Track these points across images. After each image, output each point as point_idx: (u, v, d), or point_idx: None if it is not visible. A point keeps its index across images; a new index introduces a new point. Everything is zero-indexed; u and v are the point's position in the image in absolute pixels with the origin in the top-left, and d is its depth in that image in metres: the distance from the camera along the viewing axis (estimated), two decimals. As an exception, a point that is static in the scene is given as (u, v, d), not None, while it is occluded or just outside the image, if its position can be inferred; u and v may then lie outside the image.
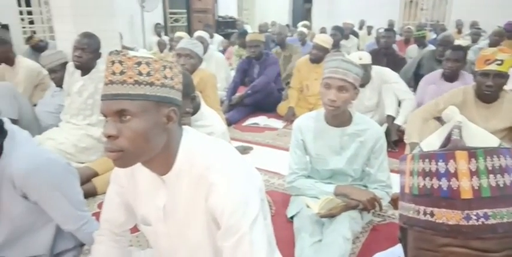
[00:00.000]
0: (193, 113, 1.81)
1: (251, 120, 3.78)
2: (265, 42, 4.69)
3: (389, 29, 4.46)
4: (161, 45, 6.13)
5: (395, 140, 2.94)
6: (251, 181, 0.94)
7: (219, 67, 4.23)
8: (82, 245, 1.38)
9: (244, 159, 0.99)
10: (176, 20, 9.16)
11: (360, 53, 2.96)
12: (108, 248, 1.12)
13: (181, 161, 0.91)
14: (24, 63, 3.11)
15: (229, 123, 3.48)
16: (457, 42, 3.86)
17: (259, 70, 4.06)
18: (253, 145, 3.10)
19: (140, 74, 0.80)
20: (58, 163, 1.24)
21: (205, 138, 0.98)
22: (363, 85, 2.92)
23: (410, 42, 5.56)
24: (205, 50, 4.15)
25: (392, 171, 1.83)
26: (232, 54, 5.80)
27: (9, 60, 3.10)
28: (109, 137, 0.81)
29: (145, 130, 0.81)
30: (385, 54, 4.07)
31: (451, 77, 2.86)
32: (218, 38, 7.54)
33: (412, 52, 4.97)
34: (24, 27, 6.02)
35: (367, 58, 2.85)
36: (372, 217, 1.88)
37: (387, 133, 2.83)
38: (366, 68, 2.70)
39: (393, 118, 2.97)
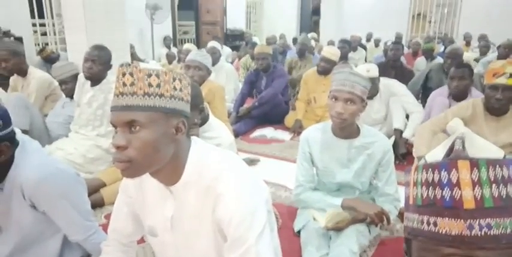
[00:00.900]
0: (201, 125, 1.82)
1: (258, 132, 3.78)
2: (273, 55, 4.75)
3: (397, 41, 4.48)
4: (170, 57, 6.21)
5: (403, 153, 2.91)
6: (258, 192, 0.94)
7: (228, 78, 4.27)
8: (89, 255, 1.38)
9: (252, 171, 0.99)
10: (185, 32, 9.29)
11: (368, 65, 2.96)
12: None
13: (190, 171, 0.91)
14: (36, 74, 3.17)
15: (237, 134, 3.49)
16: (465, 54, 3.85)
17: (266, 82, 4.09)
18: (260, 157, 3.10)
19: (150, 85, 0.81)
20: (67, 173, 1.25)
21: (213, 149, 0.99)
22: (370, 97, 2.92)
23: (418, 55, 5.57)
24: (217, 60, 4.21)
25: (400, 184, 1.81)
26: (240, 66, 5.86)
27: (22, 72, 3.16)
28: (118, 147, 0.82)
29: (154, 140, 0.82)
30: (393, 66, 4.07)
31: (459, 96, 2.71)
32: (227, 50, 7.61)
33: (420, 65, 4.97)
34: (36, 39, 6.15)
35: (374, 70, 2.85)
36: (379, 231, 1.85)
37: (395, 146, 2.81)
38: (373, 80, 2.69)
39: (401, 131, 2.95)
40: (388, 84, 3.03)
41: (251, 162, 2.93)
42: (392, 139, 2.91)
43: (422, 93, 3.67)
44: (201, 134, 1.78)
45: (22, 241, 1.24)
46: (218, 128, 1.91)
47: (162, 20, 7.43)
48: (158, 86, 0.82)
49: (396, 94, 3.00)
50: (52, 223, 1.24)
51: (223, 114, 2.84)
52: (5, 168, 1.15)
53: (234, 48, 8.29)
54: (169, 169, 0.90)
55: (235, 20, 9.93)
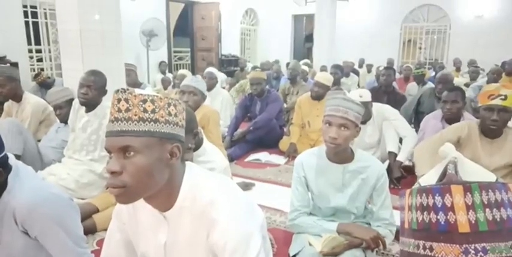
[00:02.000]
0: (196, 149, 1.82)
1: (253, 156, 3.78)
2: (267, 80, 4.82)
3: (389, 67, 4.57)
4: (165, 83, 6.27)
5: (398, 177, 2.92)
6: (253, 218, 0.94)
7: (224, 104, 4.30)
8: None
9: (247, 195, 0.99)
10: (180, 58, 9.44)
11: (360, 90, 3.01)
12: None
13: (184, 197, 0.91)
14: (31, 99, 3.18)
15: (231, 159, 3.49)
16: (456, 80, 3.93)
17: (261, 107, 4.13)
18: (255, 181, 3.08)
19: (145, 111, 0.82)
20: (61, 198, 1.23)
21: (207, 174, 0.99)
22: (364, 122, 2.95)
23: (409, 80, 5.68)
24: (213, 86, 4.26)
25: (395, 208, 1.80)
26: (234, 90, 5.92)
27: (17, 97, 3.17)
28: (112, 173, 0.82)
29: (149, 165, 0.82)
30: (385, 92, 4.15)
31: (452, 119, 2.74)
32: (221, 75, 7.69)
33: (412, 90, 5.06)
34: (32, 65, 6.21)
35: (367, 96, 2.90)
36: (376, 255, 1.82)
37: (389, 170, 2.82)
38: (366, 105, 2.73)
39: (395, 155, 2.97)
40: (381, 109, 3.08)
41: (246, 186, 2.91)
42: (387, 163, 2.92)
43: (415, 118, 3.72)
44: (195, 159, 1.78)
45: None
46: (212, 152, 1.92)
47: (158, 47, 7.56)
48: (153, 111, 0.82)
49: (389, 118, 3.04)
50: (43, 250, 1.21)
51: (217, 138, 2.85)
52: None
53: (229, 73, 8.40)
54: (163, 194, 0.89)
55: (229, 47, 10.13)
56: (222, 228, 0.87)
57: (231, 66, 9.79)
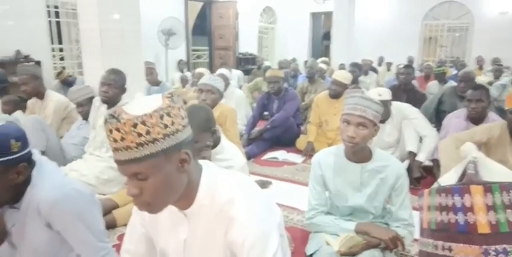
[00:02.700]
0: (214, 147, 1.83)
1: (270, 155, 3.78)
2: (285, 78, 4.81)
3: (408, 65, 4.49)
4: (183, 81, 6.33)
5: (418, 177, 2.87)
6: (271, 216, 0.94)
7: (239, 104, 4.31)
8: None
9: (265, 193, 0.99)
10: (198, 57, 9.50)
11: (380, 89, 2.96)
12: None
13: (203, 195, 0.92)
14: (54, 97, 3.26)
15: (249, 157, 3.49)
16: (478, 78, 3.83)
17: (278, 105, 4.12)
18: (272, 180, 3.08)
19: (140, 135, 0.78)
20: (83, 194, 1.27)
21: (225, 172, 0.99)
22: (382, 121, 2.91)
23: (430, 79, 5.57)
24: (226, 87, 4.27)
25: (415, 209, 1.77)
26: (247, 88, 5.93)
27: (40, 95, 3.25)
28: (133, 195, 0.84)
29: (164, 182, 0.83)
30: (405, 90, 4.07)
31: (476, 119, 2.68)
32: (236, 73, 7.68)
33: (433, 88, 4.96)
34: (55, 63, 6.36)
35: (386, 94, 2.85)
36: (394, 256, 1.80)
37: (409, 170, 2.77)
38: (385, 104, 2.68)
39: (415, 154, 2.91)
40: (401, 107, 3.02)
41: (263, 185, 2.91)
42: (406, 162, 2.87)
43: (436, 117, 3.64)
44: (213, 156, 1.79)
45: None
46: (230, 150, 1.93)
47: (176, 46, 7.62)
48: (148, 133, 0.78)
49: (409, 117, 2.99)
50: (66, 243, 1.25)
51: (235, 136, 2.86)
52: (22, 188, 1.17)
53: (246, 72, 8.41)
54: (183, 195, 0.90)
55: (247, 45, 10.14)
56: (240, 226, 0.88)
57: (248, 64, 9.80)
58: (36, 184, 1.18)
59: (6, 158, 1.08)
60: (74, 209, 1.20)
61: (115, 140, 0.79)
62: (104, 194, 2.40)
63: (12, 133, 1.11)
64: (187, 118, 0.87)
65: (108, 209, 2.19)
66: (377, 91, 2.85)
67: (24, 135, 1.16)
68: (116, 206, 2.26)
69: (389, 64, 8.42)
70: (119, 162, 0.81)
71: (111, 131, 0.79)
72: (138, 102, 0.83)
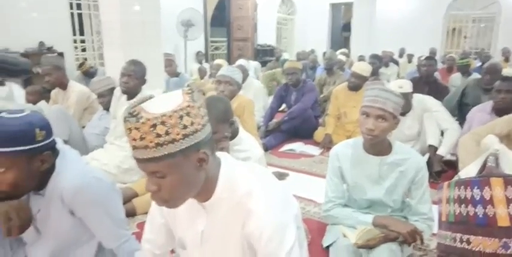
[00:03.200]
0: (232, 138, 1.84)
1: (287, 147, 3.78)
2: (303, 70, 4.77)
3: (431, 57, 4.38)
4: (201, 72, 6.35)
5: (438, 171, 2.82)
6: (289, 208, 0.94)
7: (257, 96, 4.30)
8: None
9: (282, 186, 0.99)
10: (217, 48, 9.51)
11: (401, 81, 2.90)
12: None
13: (221, 189, 0.92)
14: (76, 88, 3.33)
15: (266, 148, 3.50)
16: (504, 70, 3.71)
17: (296, 97, 4.10)
18: (289, 171, 3.08)
19: (159, 136, 0.78)
20: (104, 182, 1.29)
21: (243, 165, 1.00)
22: (403, 114, 2.86)
23: (453, 71, 5.44)
24: (245, 79, 4.27)
25: (434, 203, 1.75)
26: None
27: (63, 85, 3.33)
28: (152, 192, 0.85)
29: (181, 180, 0.84)
30: (426, 82, 3.98)
31: (503, 110, 2.57)
32: (255, 64, 7.66)
33: (455, 81, 4.84)
34: (77, 55, 6.48)
35: (407, 86, 2.79)
36: (412, 250, 1.79)
37: (429, 164, 2.72)
38: (406, 96, 2.64)
39: (435, 148, 2.86)
40: (422, 100, 2.96)
41: (280, 176, 2.92)
42: (427, 156, 2.82)
43: (459, 110, 3.55)
44: (231, 148, 1.80)
45: (59, 245, 1.28)
46: (248, 141, 1.93)
47: (195, 37, 7.64)
48: (167, 133, 0.78)
49: (430, 110, 2.92)
50: (88, 230, 1.28)
51: (252, 128, 2.86)
52: (47, 175, 1.21)
53: (264, 64, 8.38)
54: (201, 189, 0.91)
55: (265, 36, 10.08)
56: (257, 218, 0.88)
57: (266, 56, 9.76)
58: (59, 171, 1.21)
59: (31, 146, 1.11)
60: (95, 197, 1.23)
61: (134, 139, 0.80)
62: (124, 183, 2.45)
63: (37, 122, 1.14)
64: (207, 116, 0.87)
65: (128, 198, 2.23)
66: (398, 83, 2.80)
67: (48, 124, 1.19)
68: (136, 195, 2.31)
69: (410, 56, 8.24)
70: (137, 160, 0.82)
71: (130, 129, 0.79)
72: (158, 100, 0.83)
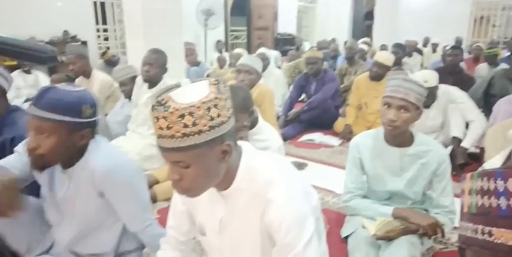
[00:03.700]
0: (251, 127, 1.85)
1: (307, 137, 3.76)
2: (323, 59, 4.71)
3: (456, 46, 4.24)
4: (221, 61, 6.35)
5: (461, 164, 2.75)
6: (308, 199, 0.94)
7: (277, 84, 4.28)
8: (143, 247, 1.45)
9: (302, 177, 0.99)
10: (236, 37, 9.47)
11: (426, 74, 2.77)
12: (173, 256, 1.16)
13: (241, 178, 0.93)
14: (99, 76, 3.39)
15: (285, 138, 3.50)
16: (534, 61, 3.57)
17: (316, 87, 4.06)
18: (308, 162, 3.08)
19: (186, 126, 0.79)
20: (133, 165, 1.33)
21: (264, 155, 1.00)
22: (427, 106, 2.80)
23: (480, 61, 5.26)
24: (266, 67, 4.25)
25: (456, 196, 1.72)
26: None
27: (86, 74, 3.39)
28: (174, 180, 0.86)
29: (203, 171, 0.85)
30: (451, 73, 3.87)
31: None
32: (275, 53, 7.60)
33: (482, 71, 4.68)
34: (99, 43, 6.57)
35: (433, 79, 2.69)
36: (433, 243, 1.77)
37: (452, 156, 2.66)
38: (431, 90, 2.59)
39: (459, 140, 2.79)
40: (447, 90, 2.88)
41: (299, 166, 2.92)
42: (450, 148, 2.76)
43: (485, 101, 3.45)
44: (250, 137, 1.80)
45: (84, 228, 1.32)
46: (267, 131, 1.93)
47: (215, 26, 7.62)
48: (194, 124, 0.79)
49: (455, 101, 2.84)
50: (113, 213, 1.31)
51: (272, 117, 2.86)
52: (78, 155, 1.25)
53: (284, 53, 8.30)
54: (222, 178, 0.92)
55: (286, 25, 9.97)
56: (277, 208, 0.89)
57: (286, 45, 9.65)
58: (91, 152, 1.25)
59: (77, 119, 1.16)
60: (126, 179, 1.26)
61: (160, 128, 0.80)
62: (145, 170, 2.50)
63: (87, 99, 1.20)
64: (232, 108, 0.87)
65: (150, 185, 2.27)
66: (423, 77, 2.70)
67: (96, 104, 1.24)
68: (157, 182, 2.36)
69: (435, 45, 8.00)
70: (162, 149, 0.83)
71: (157, 118, 0.80)
72: (185, 90, 0.83)
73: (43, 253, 1.35)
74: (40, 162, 1.18)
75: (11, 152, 1.48)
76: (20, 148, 1.31)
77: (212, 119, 0.81)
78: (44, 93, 1.15)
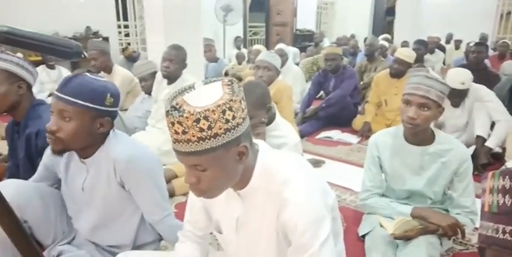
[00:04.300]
0: (268, 124, 1.84)
1: (324, 134, 3.74)
2: (342, 56, 4.66)
3: (481, 43, 4.12)
4: (239, 58, 6.35)
5: (484, 164, 2.68)
6: (324, 199, 0.94)
7: (295, 80, 4.26)
8: (160, 239, 1.47)
9: (318, 176, 0.98)
10: (255, 33, 9.46)
11: (460, 73, 2.70)
12: (191, 248, 1.18)
13: (258, 177, 0.93)
14: (120, 71, 3.44)
15: (302, 135, 3.48)
16: None
17: (334, 83, 4.01)
18: (326, 159, 3.06)
19: (202, 130, 0.79)
20: (152, 154, 1.35)
21: (280, 153, 1.00)
22: (456, 105, 2.75)
23: (506, 58, 5.11)
24: (284, 63, 4.23)
25: (478, 197, 1.68)
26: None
27: (108, 69, 3.45)
28: (191, 183, 0.87)
29: (220, 174, 0.85)
30: (475, 70, 3.76)
31: None
32: (294, 50, 7.57)
33: (508, 68, 4.55)
34: (120, 39, 6.67)
35: (469, 81, 2.67)
36: (452, 244, 1.74)
37: (474, 155, 2.60)
38: (466, 92, 2.61)
39: (484, 139, 2.70)
40: (475, 89, 2.79)
41: (316, 163, 2.91)
42: (472, 148, 2.68)
43: (509, 100, 3.34)
44: (267, 133, 1.80)
45: (104, 217, 1.34)
46: (285, 127, 1.93)
47: (234, 22, 7.62)
48: (209, 128, 0.79)
49: (482, 99, 2.75)
50: (132, 203, 1.33)
51: (289, 114, 2.85)
52: (97, 144, 1.27)
53: (303, 49, 8.25)
54: (238, 179, 0.92)
55: (305, 21, 9.89)
56: (293, 208, 0.88)
57: (305, 41, 9.59)
58: (111, 142, 1.28)
59: (99, 107, 1.20)
60: (146, 168, 1.28)
61: (176, 133, 0.80)
62: (164, 165, 2.53)
63: (111, 89, 1.24)
64: (246, 108, 0.87)
65: (168, 179, 2.31)
66: (459, 79, 2.62)
67: (119, 95, 1.27)
68: (175, 176, 2.38)
69: (458, 42, 7.80)
70: (178, 153, 0.83)
71: (173, 123, 0.80)
72: (199, 92, 0.83)
73: (66, 243, 1.39)
74: (59, 145, 1.21)
75: (36, 145, 1.52)
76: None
77: (227, 121, 0.81)
78: (70, 80, 1.20)
